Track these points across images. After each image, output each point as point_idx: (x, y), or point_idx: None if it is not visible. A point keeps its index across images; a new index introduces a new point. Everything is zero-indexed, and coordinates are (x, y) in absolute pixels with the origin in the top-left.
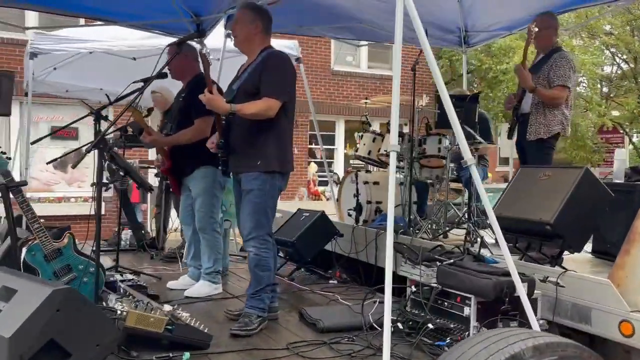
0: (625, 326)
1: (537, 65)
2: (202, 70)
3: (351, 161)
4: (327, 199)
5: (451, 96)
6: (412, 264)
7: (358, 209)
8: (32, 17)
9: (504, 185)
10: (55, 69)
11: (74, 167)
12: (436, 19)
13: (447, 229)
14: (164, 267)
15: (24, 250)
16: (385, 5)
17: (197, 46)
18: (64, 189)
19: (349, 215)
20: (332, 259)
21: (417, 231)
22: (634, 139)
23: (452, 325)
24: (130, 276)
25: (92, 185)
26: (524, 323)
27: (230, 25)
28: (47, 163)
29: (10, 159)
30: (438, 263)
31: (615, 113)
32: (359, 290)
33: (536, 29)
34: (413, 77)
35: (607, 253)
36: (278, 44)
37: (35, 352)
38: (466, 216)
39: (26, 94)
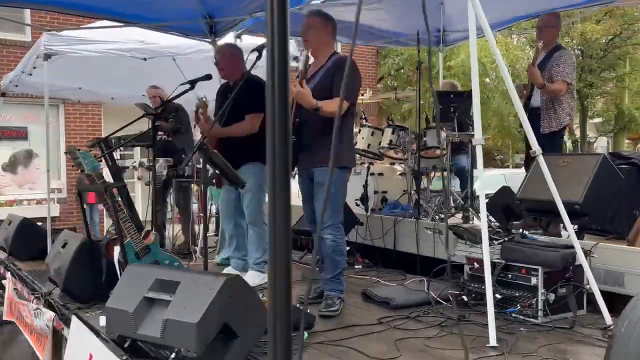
0: None
1: (541, 63)
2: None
3: None
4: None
5: (448, 92)
6: (470, 244)
7: (365, 198)
8: None
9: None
10: (34, 67)
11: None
12: (421, 22)
13: (450, 214)
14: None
15: (116, 248)
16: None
17: (293, 47)
18: (15, 191)
19: (357, 205)
20: (350, 247)
21: (424, 217)
22: None
23: (517, 294)
24: None
25: (196, 183)
26: (578, 287)
27: (302, 29)
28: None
29: (101, 161)
30: (495, 242)
31: None
32: (388, 273)
33: (541, 46)
34: (418, 75)
35: (598, 229)
36: None
37: (214, 335)
38: (462, 202)
39: (2, 95)
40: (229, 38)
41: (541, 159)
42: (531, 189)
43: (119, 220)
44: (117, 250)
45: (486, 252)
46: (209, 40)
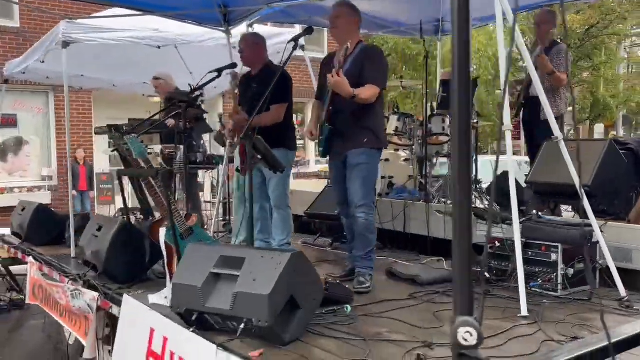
0: None
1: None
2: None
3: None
4: None
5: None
6: (493, 224)
7: None
8: None
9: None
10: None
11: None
12: (425, 13)
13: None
14: None
15: (162, 230)
16: None
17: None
18: (5, 179)
19: None
20: None
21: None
22: None
23: (537, 270)
24: None
25: (237, 170)
26: (593, 260)
27: (330, 17)
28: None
29: (147, 146)
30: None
31: None
32: (402, 254)
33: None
34: (425, 64)
35: (603, 211)
36: (289, 32)
37: (282, 307)
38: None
39: (5, 82)
40: (242, 27)
41: (562, 145)
42: (541, 172)
43: (170, 203)
44: (162, 231)
45: (517, 231)
46: (223, 29)
